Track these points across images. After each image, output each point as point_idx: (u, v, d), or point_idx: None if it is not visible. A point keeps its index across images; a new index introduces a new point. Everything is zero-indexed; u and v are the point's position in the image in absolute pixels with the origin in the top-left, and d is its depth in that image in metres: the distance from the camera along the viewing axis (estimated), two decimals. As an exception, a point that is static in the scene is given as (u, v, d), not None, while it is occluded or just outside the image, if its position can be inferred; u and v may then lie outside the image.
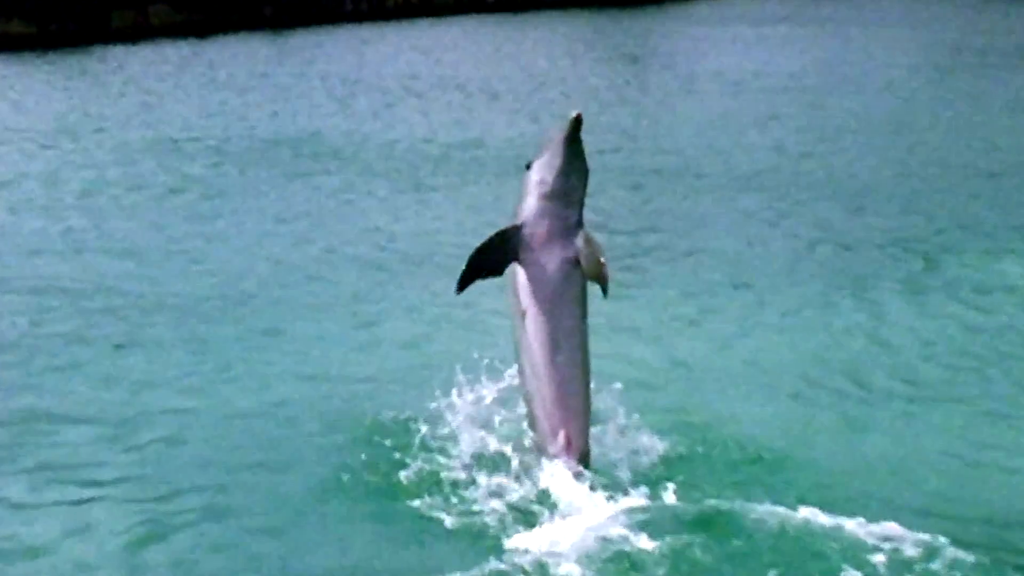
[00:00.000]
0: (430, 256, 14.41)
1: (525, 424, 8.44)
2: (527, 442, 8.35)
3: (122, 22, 36.61)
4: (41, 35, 35.10)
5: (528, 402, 8.26)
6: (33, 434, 9.54)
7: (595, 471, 8.07)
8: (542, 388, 8.06)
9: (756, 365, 10.76)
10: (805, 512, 7.62)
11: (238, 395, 10.18)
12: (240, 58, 34.99)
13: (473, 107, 26.60)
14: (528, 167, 8.15)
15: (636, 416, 8.76)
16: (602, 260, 7.94)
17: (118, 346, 11.43)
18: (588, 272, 8.02)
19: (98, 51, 35.17)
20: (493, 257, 8.10)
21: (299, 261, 14.39)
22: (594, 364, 8.31)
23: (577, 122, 7.85)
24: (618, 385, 8.86)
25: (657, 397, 9.71)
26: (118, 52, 35.28)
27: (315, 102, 27.31)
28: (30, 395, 10.27)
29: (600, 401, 8.58)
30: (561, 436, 8.02)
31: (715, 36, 40.95)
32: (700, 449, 8.78)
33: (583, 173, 8.05)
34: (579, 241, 8.01)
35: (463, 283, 8.14)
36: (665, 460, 8.51)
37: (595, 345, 8.31)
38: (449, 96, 28.13)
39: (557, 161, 7.96)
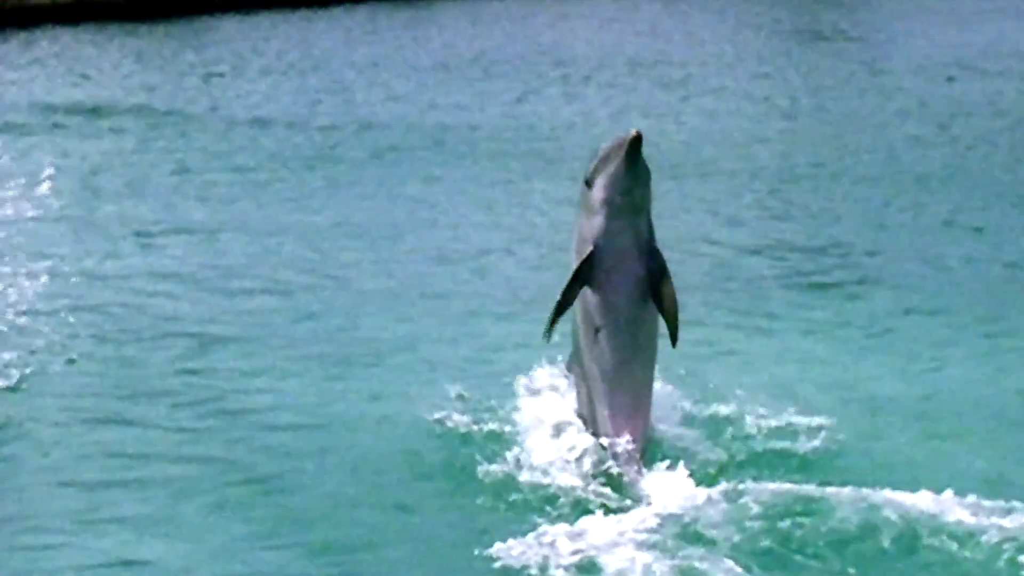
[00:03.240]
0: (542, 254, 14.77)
1: (581, 422, 9.37)
2: (589, 439, 9.21)
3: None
4: (130, 4, 35.20)
5: (589, 406, 9.18)
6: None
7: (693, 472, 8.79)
8: (610, 398, 8.97)
9: (922, 397, 10.79)
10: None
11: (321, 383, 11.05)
12: (361, 31, 34.88)
13: (633, 92, 26.09)
14: (588, 183, 8.80)
15: (768, 425, 9.55)
16: (675, 314, 8.91)
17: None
18: (661, 310, 8.93)
19: (198, 23, 35.54)
20: (576, 294, 8.97)
21: (398, 257, 14.88)
22: (750, 380, 10.08)
23: (636, 142, 8.55)
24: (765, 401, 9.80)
25: (810, 419, 9.86)
26: (221, 24, 35.68)
27: (444, 83, 27.12)
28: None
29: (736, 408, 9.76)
30: (626, 436, 8.89)
31: (929, 7, 39.44)
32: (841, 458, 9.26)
33: (647, 180, 8.79)
34: (653, 264, 8.84)
35: (551, 328, 9.04)
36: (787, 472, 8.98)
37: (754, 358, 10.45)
38: (604, 79, 27.57)
39: (622, 177, 8.65)
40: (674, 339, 8.93)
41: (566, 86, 26.75)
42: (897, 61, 29.72)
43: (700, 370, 10.26)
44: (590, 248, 8.77)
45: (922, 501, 8.22)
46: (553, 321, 8.95)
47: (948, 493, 8.29)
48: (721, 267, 14.34)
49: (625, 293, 8.84)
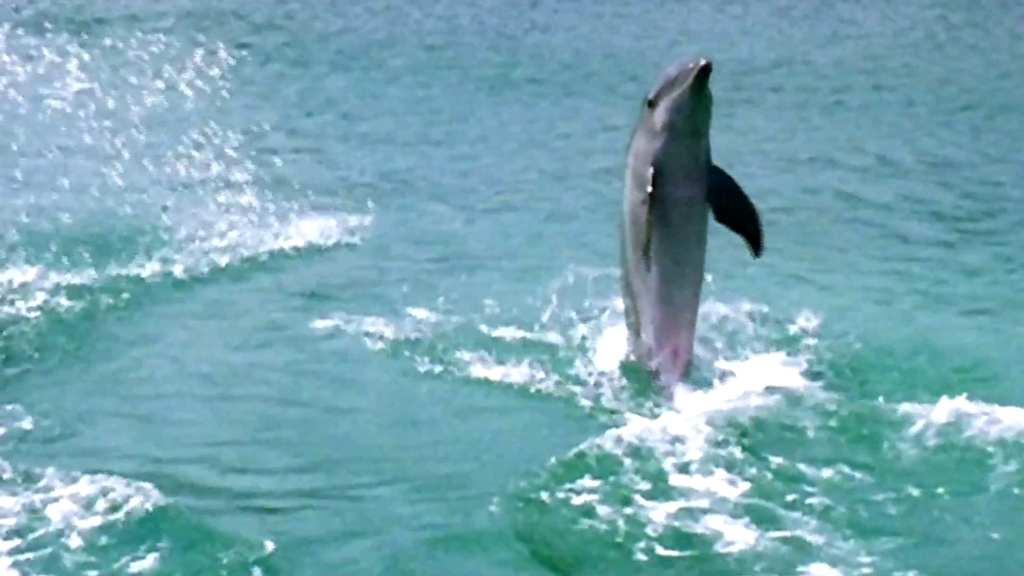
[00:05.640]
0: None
1: (625, 339, 9.75)
2: (630, 354, 9.67)
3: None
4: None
5: (636, 321, 9.57)
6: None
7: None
8: (653, 312, 9.35)
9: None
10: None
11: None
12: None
13: (793, 30, 25.91)
14: (651, 104, 9.06)
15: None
16: (757, 221, 9.18)
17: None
18: (736, 222, 9.21)
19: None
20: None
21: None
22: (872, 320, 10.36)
23: (705, 72, 8.78)
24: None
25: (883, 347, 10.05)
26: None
27: (579, 10, 27.17)
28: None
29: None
30: (668, 349, 9.32)
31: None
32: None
33: (710, 105, 9.03)
34: (719, 180, 9.16)
35: (647, 253, 9.20)
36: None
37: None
38: (768, 15, 27.52)
39: (687, 102, 8.94)
40: (757, 247, 9.20)
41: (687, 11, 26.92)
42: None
43: (780, 297, 10.49)
44: (651, 169, 9.05)
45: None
46: (646, 248, 9.13)
47: None
48: (831, 202, 14.49)
49: (674, 210, 9.13)
